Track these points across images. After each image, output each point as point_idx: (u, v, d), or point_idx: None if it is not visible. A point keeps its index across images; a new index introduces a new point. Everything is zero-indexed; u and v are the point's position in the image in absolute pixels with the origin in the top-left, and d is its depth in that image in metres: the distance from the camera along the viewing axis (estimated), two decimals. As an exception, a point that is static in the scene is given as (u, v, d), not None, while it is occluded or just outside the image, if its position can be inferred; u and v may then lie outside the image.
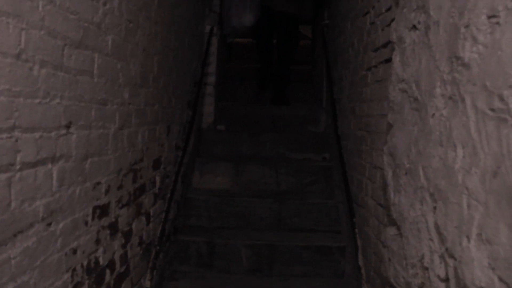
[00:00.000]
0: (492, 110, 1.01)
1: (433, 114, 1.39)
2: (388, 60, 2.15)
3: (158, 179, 2.58)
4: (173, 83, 2.82)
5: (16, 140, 1.12)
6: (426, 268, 1.41)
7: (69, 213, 1.43)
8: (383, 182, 2.20)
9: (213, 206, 3.49)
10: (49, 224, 1.30)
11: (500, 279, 0.94)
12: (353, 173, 2.88)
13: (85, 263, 1.58)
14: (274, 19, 4.54)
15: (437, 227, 1.31)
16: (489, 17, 1.04)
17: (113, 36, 1.74)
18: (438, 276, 1.30)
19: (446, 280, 1.25)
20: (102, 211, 1.72)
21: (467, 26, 1.15)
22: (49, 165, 1.29)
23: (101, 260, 1.73)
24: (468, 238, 1.09)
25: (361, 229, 2.65)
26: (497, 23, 1.00)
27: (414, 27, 1.59)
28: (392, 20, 2.07)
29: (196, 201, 3.49)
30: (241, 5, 4.22)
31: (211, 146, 4.14)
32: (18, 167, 1.14)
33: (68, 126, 1.41)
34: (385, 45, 2.20)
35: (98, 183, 1.68)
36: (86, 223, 1.57)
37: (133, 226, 2.15)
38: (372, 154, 2.40)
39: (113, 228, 1.85)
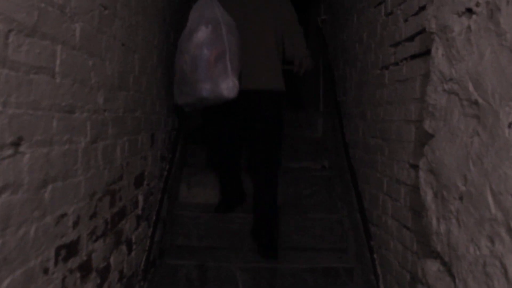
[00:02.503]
0: None
1: (511, 124, 1.05)
2: (416, 56, 1.81)
3: (141, 198, 2.19)
4: (157, 85, 2.43)
5: None
6: (501, 327, 1.06)
7: (18, 263, 1.04)
8: (410, 201, 1.86)
9: (203, 223, 3.10)
10: (-14, 287, 0.92)
11: None
12: (365, 187, 2.54)
13: (45, 324, 1.19)
14: (243, 102, 2.69)
15: (525, 277, 0.97)
16: None
17: (82, 24, 1.36)
18: None
19: None
20: (69, 250, 1.33)
21: None
22: (-14, 202, 0.91)
23: (68, 313, 1.34)
24: None
25: (376, 251, 2.31)
26: None
27: (469, 10, 1.25)
28: (422, 8, 1.73)
29: (184, 218, 3.10)
30: (218, 66, 2.43)
31: (199, 154, 3.75)
32: None
33: (16, 144, 1.02)
34: (410, 38, 1.86)
35: (63, 215, 1.29)
36: (45, 271, 1.18)
37: (111, 259, 1.76)
38: (393, 166, 2.06)
39: (85, 268, 1.46)
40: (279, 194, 2.99)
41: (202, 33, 2.45)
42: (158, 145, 2.51)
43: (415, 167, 1.80)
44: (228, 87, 2.43)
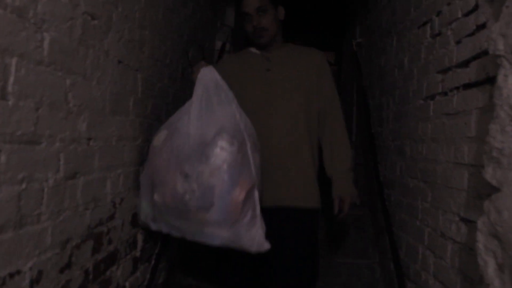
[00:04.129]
0: None
1: None
2: (471, 85, 1.48)
3: (140, 237, 1.91)
4: (167, 109, 2.18)
5: None
6: None
7: None
8: (459, 262, 1.50)
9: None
10: None
11: None
12: (401, 234, 2.18)
13: None
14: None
15: None
16: None
17: (55, 35, 1.11)
18: None
19: None
20: (21, 317, 1.05)
21: None
22: None
23: None
24: None
25: (413, 314, 1.93)
26: None
27: (557, 26, 0.93)
28: (481, 26, 1.41)
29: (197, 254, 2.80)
30: (245, 207, 1.56)
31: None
32: None
33: None
34: (464, 63, 1.53)
35: (14, 274, 1.01)
36: None
37: (92, 315, 1.47)
38: (437, 216, 1.70)
39: (47, 336, 1.17)
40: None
41: (225, 154, 1.56)
42: (166, 176, 2.23)
43: (468, 222, 1.45)
44: (255, 238, 1.57)
